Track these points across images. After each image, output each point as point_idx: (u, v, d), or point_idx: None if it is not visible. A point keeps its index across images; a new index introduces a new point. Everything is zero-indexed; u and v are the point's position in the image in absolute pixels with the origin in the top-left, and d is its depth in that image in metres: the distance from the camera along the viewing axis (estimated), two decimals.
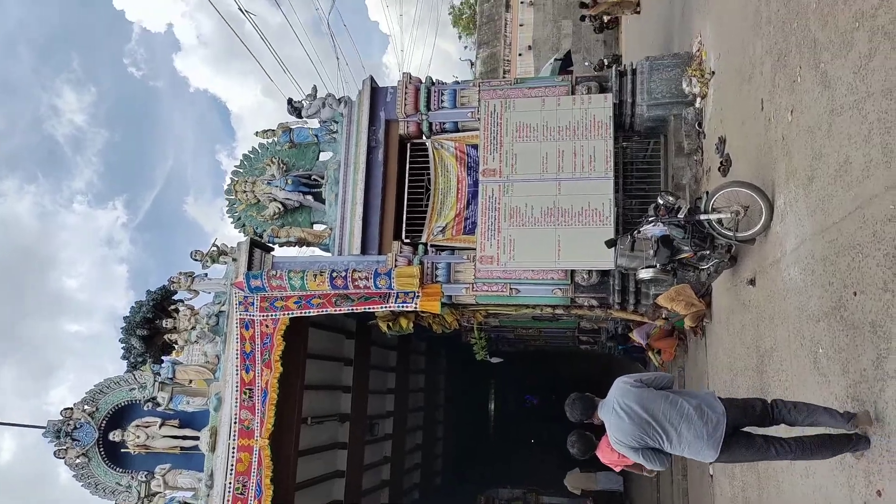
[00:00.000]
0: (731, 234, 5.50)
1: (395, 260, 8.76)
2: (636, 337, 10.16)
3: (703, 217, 5.66)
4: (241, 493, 8.35)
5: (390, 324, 9.28)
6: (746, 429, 3.74)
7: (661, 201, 6.00)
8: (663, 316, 7.71)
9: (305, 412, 10.11)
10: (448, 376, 20.52)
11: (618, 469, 4.67)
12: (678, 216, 5.85)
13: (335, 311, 8.74)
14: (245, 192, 9.63)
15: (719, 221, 5.60)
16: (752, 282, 5.65)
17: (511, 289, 8.54)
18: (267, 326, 8.79)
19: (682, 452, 3.71)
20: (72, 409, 8.98)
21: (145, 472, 8.68)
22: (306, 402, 10.31)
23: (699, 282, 7.64)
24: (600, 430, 4.13)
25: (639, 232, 6.32)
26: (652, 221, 6.04)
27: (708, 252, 6.04)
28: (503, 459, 25.74)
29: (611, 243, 6.67)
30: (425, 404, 17.59)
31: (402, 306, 8.57)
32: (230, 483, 8.36)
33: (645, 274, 6.41)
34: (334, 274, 8.62)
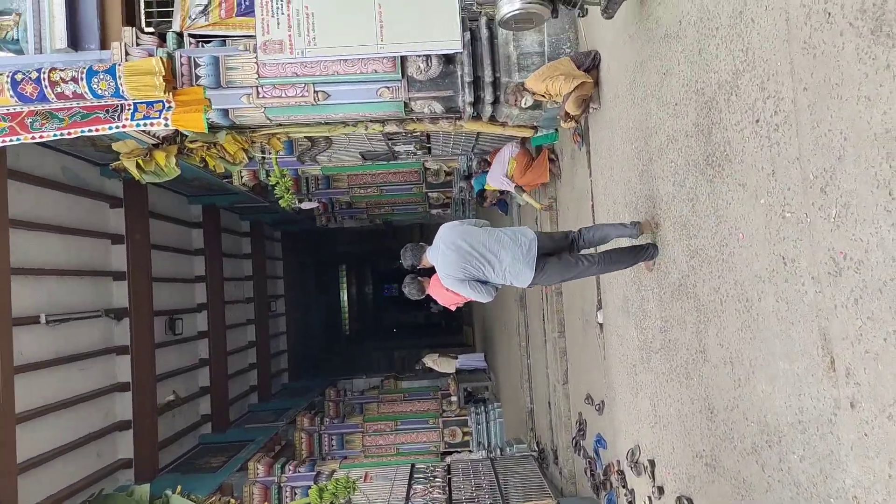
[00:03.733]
0: None
1: (125, 53, 5.54)
2: (493, 183, 7.86)
3: None
4: None
5: (141, 162, 6.16)
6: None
7: None
8: (530, 99, 5.32)
9: (34, 307, 6.95)
10: (288, 262, 17.67)
11: (452, 307, 4.57)
12: None
13: (34, 138, 5.48)
14: None
15: None
16: None
17: (317, 92, 5.72)
18: None
19: (504, 278, 3.90)
20: None
21: None
22: (37, 293, 7.11)
23: (582, 54, 5.27)
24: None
25: None
26: None
27: None
28: (363, 351, 23.94)
29: None
30: (256, 294, 14.74)
31: (144, 125, 5.48)
32: None
33: (507, 7, 3.84)
34: (19, 76, 5.26)
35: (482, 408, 11.77)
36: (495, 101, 5.85)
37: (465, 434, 11.37)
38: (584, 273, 4.03)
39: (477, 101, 5.88)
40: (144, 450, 8.69)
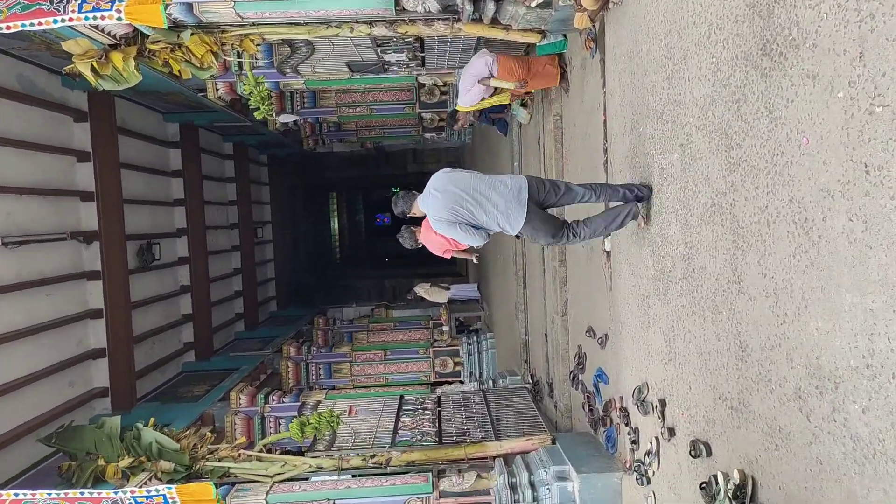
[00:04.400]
0: None
1: None
2: (467, 104, 6.60)
3: None
4: None
5: (96, 65, 5.45)
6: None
7: None
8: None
9: None
10: (275, 187, 17.02)
11: (447, 255, 4.47)
12: None
13: None
14: None
15: None
16: None
17: None
18: None
19: (496, 220, 3.83)
20: None
21: None
22: None
23: None
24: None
25: None
26: None
27: None
28: (354, 280, 23.61)
29: None
30: (241, 220, 14.17)
31: (94, 18, 4.77)
32: None
33: None
34: None
35: (474, 338, 11.49)
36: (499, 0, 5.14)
37: (456, 364, 11.12)
38: (572, 240, 4.03)
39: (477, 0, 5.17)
40: (120, 378, 8.34)
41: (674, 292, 3.75)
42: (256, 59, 6.79)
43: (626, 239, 4.65)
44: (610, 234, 5.12)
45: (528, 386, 7.95)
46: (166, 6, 4.85)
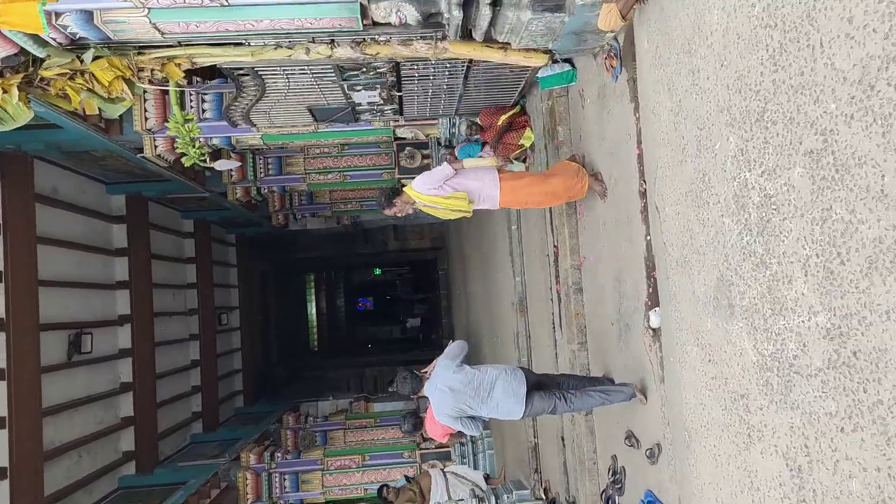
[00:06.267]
0: None
1: None
2: (417, 186, 4.62)
3: None
4: None
5: None
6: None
7: None
8: None
9: None
10: (244, 269, 15.57)
11: (445, 440, 5.01)
12: None
13: None
14: None
15: None
16: None
17: None
18: None
19: (496, 412, 4.20)
20: None
21: None
22: None
23: None
24: None
25: None
26: None
27: None
28: (332, 369, 21.81)
29: None
30: (202, 305, 12.62)
31: None
32: None
33: None
34: None
35: (468, 437, 9.80)
36: (495, 1, 3.97)
37: None
38: (563, 411, 4.29)
39: (468, 4, 4.00)
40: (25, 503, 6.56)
41: (805, 392, 2.32)
42: (203, 100, 5.57)
43: (691, 306, 3.25)
44: (653, 315, 3.79)
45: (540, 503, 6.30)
46: (50, 14, 3.59)
